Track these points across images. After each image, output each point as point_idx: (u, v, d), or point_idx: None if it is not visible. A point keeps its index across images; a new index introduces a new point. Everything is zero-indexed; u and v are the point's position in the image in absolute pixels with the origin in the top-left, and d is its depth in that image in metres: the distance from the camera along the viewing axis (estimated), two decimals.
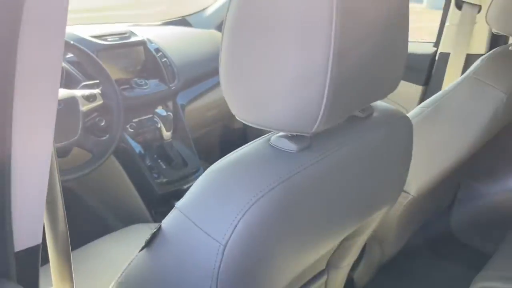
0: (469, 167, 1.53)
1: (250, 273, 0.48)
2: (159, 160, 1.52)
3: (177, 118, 1.59)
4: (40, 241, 0.46)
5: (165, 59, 1.60)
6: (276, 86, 0.48)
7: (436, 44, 1.59)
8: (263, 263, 0.49)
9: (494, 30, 1.06)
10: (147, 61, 1.58)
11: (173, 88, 1.57)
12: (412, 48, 1.68)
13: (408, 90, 1.63)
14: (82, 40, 1.35)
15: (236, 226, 0.45)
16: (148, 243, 0.51)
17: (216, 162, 0.52)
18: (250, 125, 0.52)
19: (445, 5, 1.54)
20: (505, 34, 1.06)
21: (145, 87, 1.50)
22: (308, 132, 0.50)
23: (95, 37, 1.42)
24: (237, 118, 0.53)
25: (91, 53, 1.25)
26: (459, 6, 1.46)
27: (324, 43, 0.45)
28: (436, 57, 1.57)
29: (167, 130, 1.49)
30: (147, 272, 0.51)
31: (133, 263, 0.53)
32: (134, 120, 1.48)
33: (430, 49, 1.61)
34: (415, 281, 1.29)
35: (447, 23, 1.53)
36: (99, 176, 1.36)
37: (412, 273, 1.33)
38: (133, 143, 1.47)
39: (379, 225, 1.20)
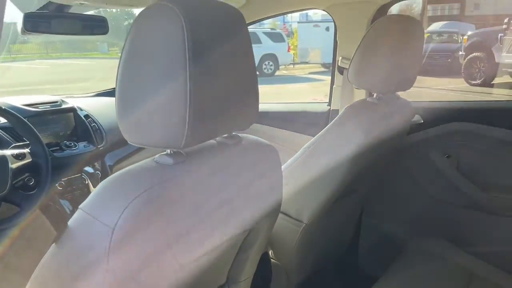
0: (367, 205, 1.78)
1: (134, 251, 0.64)
2: None
3: (105, 176, 1.73)
4: None
5: (94, 124, 1.76)
6: (152, 115, 0.67)
7: (329, 103, 1.91)
8: (146, 244, 0.65)
9: (354, 86, 1.35)
10: (77, 126, 1.73)
11: (101, 148, 1.72)
12: (312, 107, 2.00)
13: None
14: (13, 108, 1.50)
15: (122, 213, 0.62)
16: (56, 239, 0.66)
17: (112, 174, 0.70)
18: (138, 145, 0.71)
19: (332, 71, 1.88)
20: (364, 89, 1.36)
21: (74, 148, 1.64)
22: (178, 147, 0.69)
23: (26, 105, 1.58)
24: (129, 142, 0.72)
25: (19, 116, 1.39)
26: (340, 72, 1.79)
27: (182, 87, 0.66)
28: (330, 114, 1.87)
29: (94, 186, 1.62)
30: (55, 262, 0.66)
31: (44, 258, 0.67)
32: (64, 179, 1.60)
33: (325, 107, 1.92)
34: None
35: (334, 86, 1.86)
36: (27, 231, 1.44)
37: None
38: (62, 201, 1.59)
39: (281, 253, 1.38)
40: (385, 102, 1.32)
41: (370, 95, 1.34)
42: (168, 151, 0.73)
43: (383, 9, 1.69)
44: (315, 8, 1.84)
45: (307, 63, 13.79)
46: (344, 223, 1.65)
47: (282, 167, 1.33)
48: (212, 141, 0.84)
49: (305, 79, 11.54)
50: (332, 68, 1.87)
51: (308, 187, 1.27)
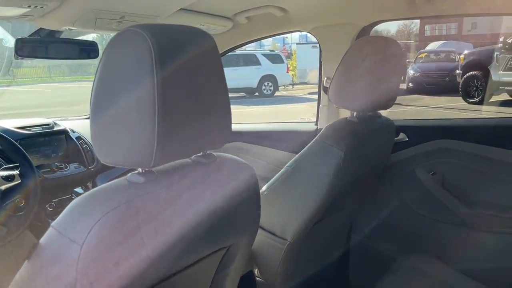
0: (355, 222, 1.79)
1: (103, 268, 0.66)
2: None
3: None
4: None
5: (85, 146, 1.79)
6: (122, 134, 0.70)
7: (316, 122, 1.94)
8: (115, 261, 0.67)
9: (335, 106, 1.38)
10: (68, 147, 1.76)
11: (92, 170, 1.75)
12: (300, 126, 2.03)
13: None
14: (4, 130, 1.53)
15: (90, 230, 0.64)
16: (27, 257, 0.68)
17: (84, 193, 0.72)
18: (111, 165, 0.73)
19: (318, 91, 1.92)
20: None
21: (65, 170, 1.67)
22: (147, 166, 0.71)
23: (18, 128, 1.61)
24: (102, 161, 0.74)
25: (8, 137, 1.43)
26: (326, 91, 1.82)
27: (151, 107, 0.68)
28: (317, 133, 1.89)
29: None
30: (25, 279, 0.68)
31: (17, 275, 0.69)
32: (54, 200, 1.63)
33: (312, 127, 1.95)
34: None
35: (320, 105, 1.89)
36: (15, 252, 1.46)
37: None
38: (50, 221, 1.60)
39: (266, 271, 1.39)
40: (365, 120, 1.35)
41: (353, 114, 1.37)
42: (140, 170, 0.75)
43: (365, 30, 1.73)
44: (301, 31, 1.89)
45: (306, 83, 13.93)
46: (331, 240, 1.66)
47: (266, 185, 1.36)
48: (186, 159, 0.86)
49: (304, 99, 11.63)
50: (318, 88, 1.91)
51: (291, 205, 1.29)
